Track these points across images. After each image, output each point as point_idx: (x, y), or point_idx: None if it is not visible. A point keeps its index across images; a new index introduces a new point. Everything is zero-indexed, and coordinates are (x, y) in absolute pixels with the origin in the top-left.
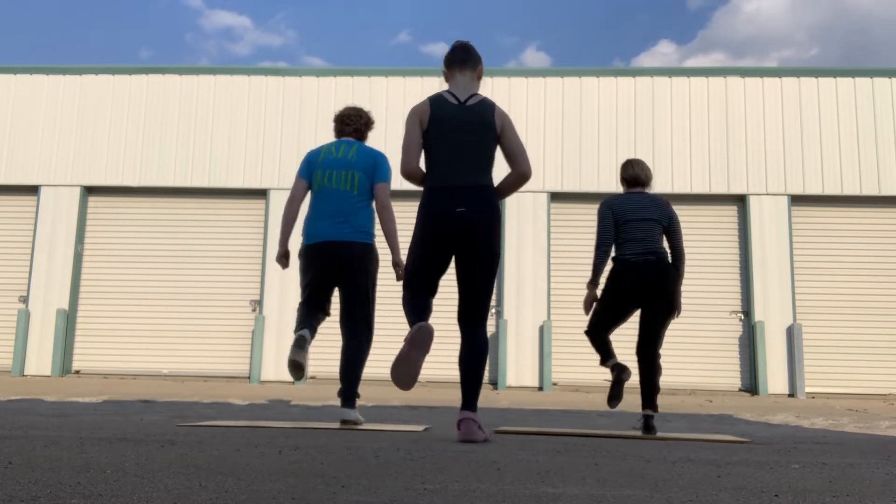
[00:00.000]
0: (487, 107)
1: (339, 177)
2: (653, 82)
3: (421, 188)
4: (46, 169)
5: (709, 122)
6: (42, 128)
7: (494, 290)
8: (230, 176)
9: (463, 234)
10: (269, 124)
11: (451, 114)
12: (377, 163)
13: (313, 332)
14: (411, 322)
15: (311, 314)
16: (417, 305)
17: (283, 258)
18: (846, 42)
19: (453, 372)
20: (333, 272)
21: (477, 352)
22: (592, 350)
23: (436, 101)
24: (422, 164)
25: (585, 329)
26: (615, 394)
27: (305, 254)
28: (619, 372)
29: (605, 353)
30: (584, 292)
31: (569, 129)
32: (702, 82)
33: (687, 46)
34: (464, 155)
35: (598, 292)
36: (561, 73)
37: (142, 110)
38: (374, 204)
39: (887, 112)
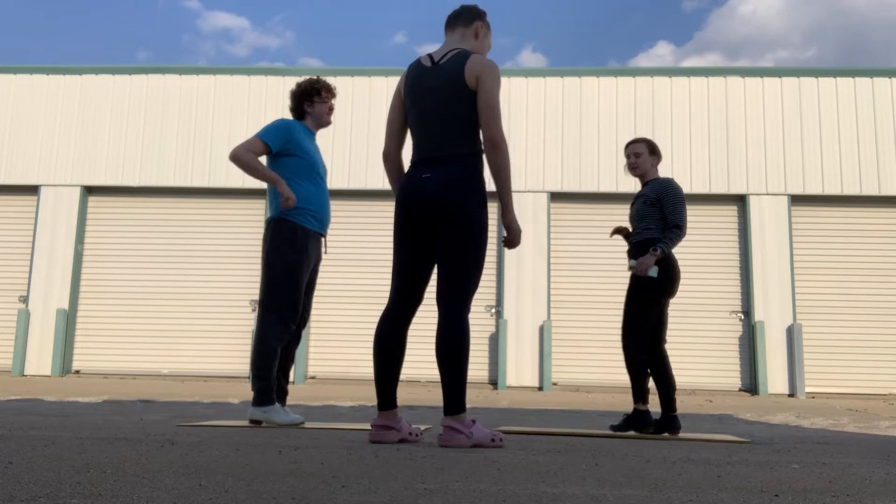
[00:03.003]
0: (459, 59)
1: None
2: (653, 82)
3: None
4: (46, 169)
5: (709, 122)
6: (42, 128)
7: (494, 290)
8: (230, 176)
9: (430, 203)
10: None
11: (422, 77)
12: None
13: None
14: (377, 391)
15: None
16: (384, 361)
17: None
18: (842, 43)
19: None
20: None
21: (447, 345)
22: (594, 351)
23: (411, 68)
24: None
25: (658, 349)
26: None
27: None
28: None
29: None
30: (585, 292)
31: (569, 129)
32: (702, 82)
33: (683, 48)
34: (432, 121)
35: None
36: (561, 73)
37: (142, 110)
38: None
39: (887, 112)
